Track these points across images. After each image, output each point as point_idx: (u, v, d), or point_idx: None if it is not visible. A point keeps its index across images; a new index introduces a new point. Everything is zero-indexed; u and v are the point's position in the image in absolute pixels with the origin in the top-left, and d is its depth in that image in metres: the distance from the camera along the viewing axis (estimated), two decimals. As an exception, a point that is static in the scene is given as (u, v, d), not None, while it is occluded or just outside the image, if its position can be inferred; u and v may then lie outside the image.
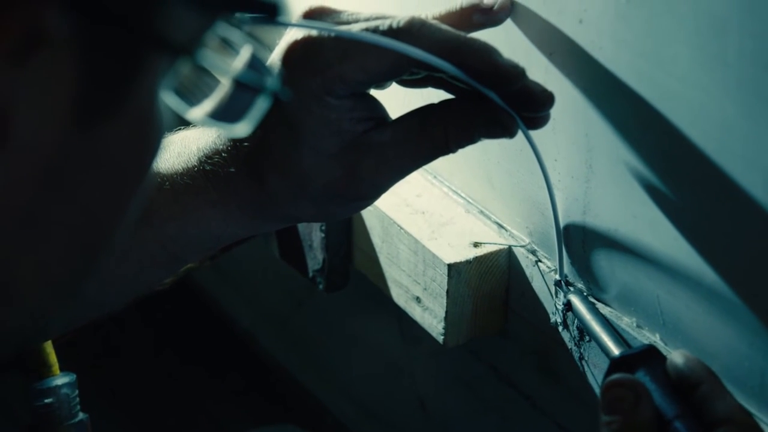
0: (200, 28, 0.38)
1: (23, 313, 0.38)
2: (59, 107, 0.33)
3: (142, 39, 0.35)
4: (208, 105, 0.45)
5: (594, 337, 0.75)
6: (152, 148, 0.39)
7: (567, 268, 0.80)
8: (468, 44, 0.66)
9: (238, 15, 0.42)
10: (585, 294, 0.78)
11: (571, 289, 0.79)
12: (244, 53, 0.46)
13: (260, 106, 0.45)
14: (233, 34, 0.44)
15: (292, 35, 0.68)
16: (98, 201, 0.38)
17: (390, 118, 0.72)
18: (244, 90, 0.45)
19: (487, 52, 0.66)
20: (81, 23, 0.32)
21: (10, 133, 0.32)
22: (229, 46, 0.45)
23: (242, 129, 0.46)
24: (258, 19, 0.42)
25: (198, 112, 0.44)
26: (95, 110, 0.35)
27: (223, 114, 0.46)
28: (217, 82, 0.45)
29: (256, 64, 0.46)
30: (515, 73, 0.67)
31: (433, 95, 0.72)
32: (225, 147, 0.70)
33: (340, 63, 0.66)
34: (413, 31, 0.66)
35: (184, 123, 0.69)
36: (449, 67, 0.66)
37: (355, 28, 0.67)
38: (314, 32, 0.67)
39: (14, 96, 0.32)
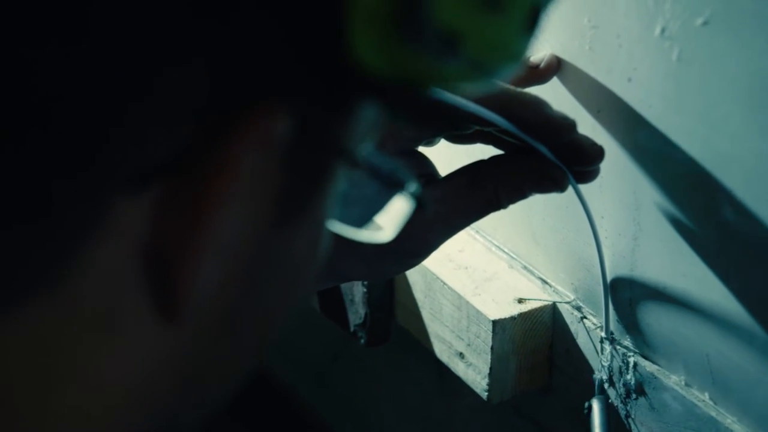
0: (369, 135, 0.39)
1: (203, 409, 0.38)
2: (263, 208, 0.34)
3: (338, 150, 0.36)
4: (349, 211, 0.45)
5: None
6: (322, 251, 0.40)
7: (613, 325, 0.79)
8: (519, 97, 0.67)
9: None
10: (609, 401, 0.79)
11: (599, 396, 0.80)
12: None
13: (402, 208, 0.45)
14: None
15: None
16: (278, 301, 0.38)
17: (440, 175, 0.72)
18: (378, 193, 0.45)
19: (538, 104, 0.67)
20: (294, 132, 0.33)
21: (225, 228, 0.33)
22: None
23: (386, 235, 0.46)
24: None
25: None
26: (289, 213, 0.36)
27: (357, 219, 0.46)
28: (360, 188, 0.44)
29: (388, 166, 0.45)
30: (566, 125, 0.67)
31: (479, 153, 0.72)
32: None
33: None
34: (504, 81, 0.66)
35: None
36: (500, 120, 0.66)
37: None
38: None
39: (232, 191, 0.32)
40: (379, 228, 0.46)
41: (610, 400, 0.79)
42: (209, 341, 0.36)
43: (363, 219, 0.46)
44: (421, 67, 0.33)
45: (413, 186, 0.43)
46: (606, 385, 0.80)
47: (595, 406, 0.79)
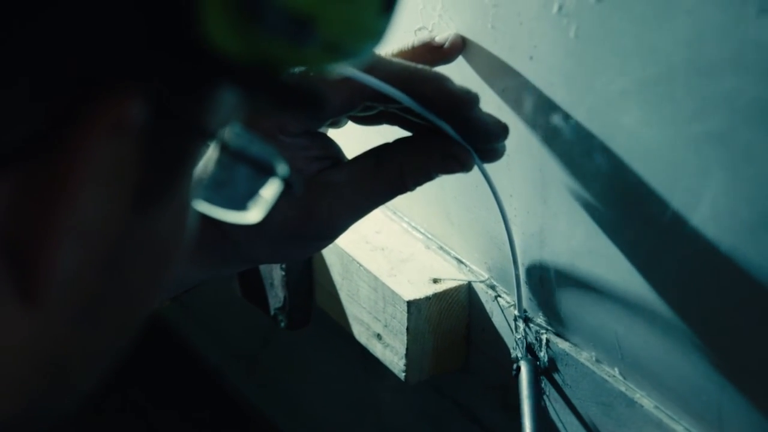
0: (231, 118, 0.39)
1: (71, 395, 0.38)
2: (122, 192, 0.34)
3: (198, 132, 0.36)
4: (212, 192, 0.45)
5: (521, 414, 0.76)
6: (187, 231, 0.40)
7: (526, 303, 0.80)
8: (420, 73, 0.66)
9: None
10: (538, 364, 0.79)
11: (528, 356, 0.80)
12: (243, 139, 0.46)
13: (271, 190, 0.45)
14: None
15: None
16: (143, 285, 0.38)
17: (346, 157, 0.71)
18: (249, 175, 0.45)
19: (439, 79, 0.66)
20: (150, 115, 0.33)
21: (81, 213, 0.33)
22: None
23: (254, 216, 0.46)
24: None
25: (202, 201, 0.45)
26: (151, 196, 0.36)
27: (228, 201, 0.46)
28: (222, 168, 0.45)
29: (257, 149, 0.45)
30: (468, 98, 0.66)
31: (391, 136, 0.72)
32: None
33: None
34: (365, 63, 0.65)
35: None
36: (403, 97, 0.65)
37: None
38: None
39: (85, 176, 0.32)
40: (249, 209, 0.46)
41: (538, 362, 0.79)
42: (72, 325, 0.35)
43: (237, 201, 0.46)
44: (275, 50, 0.33)
45: (282, 168, 0.43)
46: (523, 358, 0.80)
47: (523, 367, 0.79)
